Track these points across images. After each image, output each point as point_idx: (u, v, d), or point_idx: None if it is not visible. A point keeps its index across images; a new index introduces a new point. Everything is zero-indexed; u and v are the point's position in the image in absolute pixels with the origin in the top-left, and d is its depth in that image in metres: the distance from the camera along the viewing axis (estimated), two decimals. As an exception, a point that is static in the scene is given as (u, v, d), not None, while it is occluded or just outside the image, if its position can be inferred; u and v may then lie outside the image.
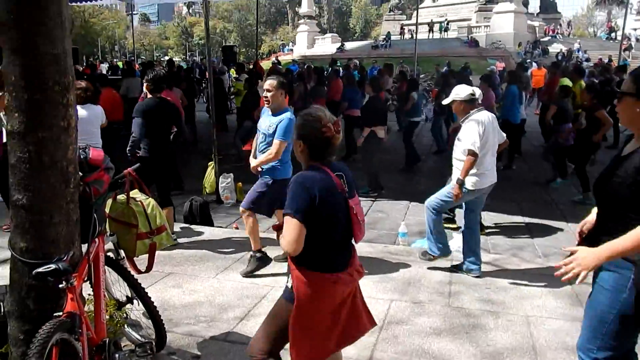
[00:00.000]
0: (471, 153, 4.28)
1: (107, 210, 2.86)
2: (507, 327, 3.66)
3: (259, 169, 4.53)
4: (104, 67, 24.74)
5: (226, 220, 6.42)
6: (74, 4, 20.44)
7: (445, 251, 4.67)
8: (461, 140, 4.45)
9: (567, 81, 9.84)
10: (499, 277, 4.54)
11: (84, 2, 18.00)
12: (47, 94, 2.21)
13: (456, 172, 4.49)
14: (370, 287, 4.21)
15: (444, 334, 3.56)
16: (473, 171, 4.36)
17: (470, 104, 4.48)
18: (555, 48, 37.35)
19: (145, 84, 5.34)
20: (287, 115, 4.39)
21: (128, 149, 5.03)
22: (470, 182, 4.40)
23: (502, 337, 3.52)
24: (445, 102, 4.71)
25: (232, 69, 17.06)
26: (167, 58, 66.06)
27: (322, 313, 2.26)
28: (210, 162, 7.11)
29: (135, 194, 3.00)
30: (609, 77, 12.26)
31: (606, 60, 25.12)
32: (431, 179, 7.91)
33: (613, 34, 42.35)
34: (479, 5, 44.52)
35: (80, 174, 2.47)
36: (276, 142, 4.33)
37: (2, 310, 2.56)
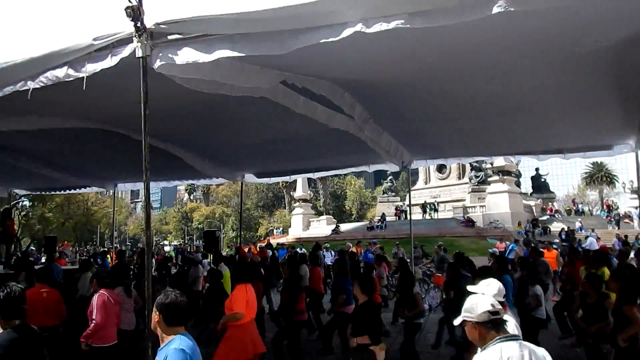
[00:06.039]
0: None
1: None
2: None
3: None
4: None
5: None
6: (75, 191, 19.48)
7: None
8: None
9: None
10: None
11: (85, 189, 17.30)
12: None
13: None
14: None
15: None
16: None
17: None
18: (556, 227, 36.68)
19: None
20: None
21: None
22: None
23: None
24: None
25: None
26: (166, 242, 65.96)
27: None
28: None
29: None
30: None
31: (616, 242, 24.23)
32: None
33: (613, 213, 41.89)
34: (471, 186, 45.04)
35: None
36: None
37: None
